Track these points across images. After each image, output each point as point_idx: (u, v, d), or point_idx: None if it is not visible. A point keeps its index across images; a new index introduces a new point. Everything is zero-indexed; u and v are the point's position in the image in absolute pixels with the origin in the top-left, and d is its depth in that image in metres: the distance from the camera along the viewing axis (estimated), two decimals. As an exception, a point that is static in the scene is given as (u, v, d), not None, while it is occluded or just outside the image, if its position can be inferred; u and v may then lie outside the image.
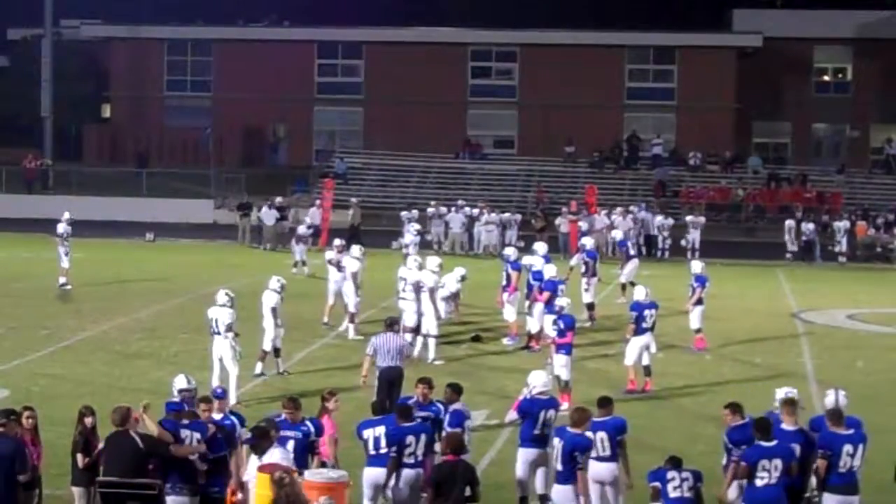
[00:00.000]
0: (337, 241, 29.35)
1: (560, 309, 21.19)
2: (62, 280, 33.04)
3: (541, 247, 28.12)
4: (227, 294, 20.48)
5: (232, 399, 18.44)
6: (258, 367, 22.23)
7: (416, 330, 24.08)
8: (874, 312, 32.84)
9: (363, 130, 65.01)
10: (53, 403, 18.41)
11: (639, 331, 21.80)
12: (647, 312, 21.95)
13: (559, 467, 13.44)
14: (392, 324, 19.15)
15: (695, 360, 25.32)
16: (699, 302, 26.07)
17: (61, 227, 33.58)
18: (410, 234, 39.90)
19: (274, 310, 22.20)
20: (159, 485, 12.59)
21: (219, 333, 20.26)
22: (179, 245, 46.73)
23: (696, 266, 26.86)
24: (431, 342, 24.05)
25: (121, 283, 34.66)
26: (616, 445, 13.92)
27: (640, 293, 22.47)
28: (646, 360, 21.95)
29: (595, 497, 13.94)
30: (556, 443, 13.56)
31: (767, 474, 12.85)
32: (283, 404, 14.45)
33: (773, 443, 13.04)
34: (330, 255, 28.16)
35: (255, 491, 12.86)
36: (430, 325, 24.12)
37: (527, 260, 27.09)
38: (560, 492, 13.45)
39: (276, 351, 22.42)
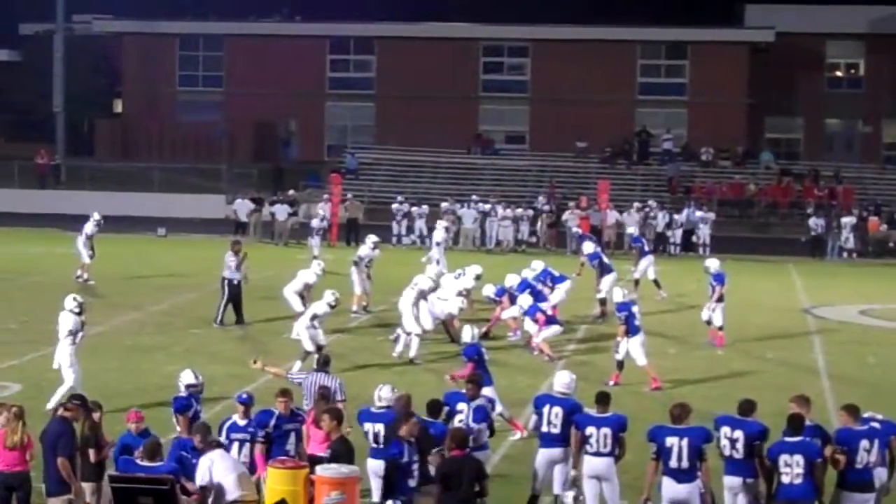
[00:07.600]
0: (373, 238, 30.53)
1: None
2: (79, 272, 33.04)
3: (538, 265, 28.00)
4: (75, 299, 19.79)
5: (51, 403, 18.08)
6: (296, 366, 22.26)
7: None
8: (886, 308, 32.75)
9: (375, 126, 64.99)
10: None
11: (632, 330, 21.79)
12: (634, 310, 22.04)
13: (685, 465, 13.07)
14: (326, 363, 16.67)
15: (706, 355, 25.30)
16: (720, 299, 25.91)
17: (91, 228, 33.49)
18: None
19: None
20: (171, 480, 12.40)
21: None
22: (191, 240, 46.77)
23: (714, 264, 26.53)
24: (408, 339, 23.99)
25: (132, 278, 34.69)
26: (616, 442, 13.91)
27: (618, 294, 22.58)
28: (620, 356, 21.98)
29: (591, 493, 13.95)
30: (676, 441, 13.09)
31: (790, 469, 12.81)
32: (276, 396, 14.46)
33: (797, 439, 12.96)
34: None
35: (266, 485, 12.91)
36: (410, 324, 24.02)
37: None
38: (690, 489, 13.11)
39: (318, 348, 22.01)
